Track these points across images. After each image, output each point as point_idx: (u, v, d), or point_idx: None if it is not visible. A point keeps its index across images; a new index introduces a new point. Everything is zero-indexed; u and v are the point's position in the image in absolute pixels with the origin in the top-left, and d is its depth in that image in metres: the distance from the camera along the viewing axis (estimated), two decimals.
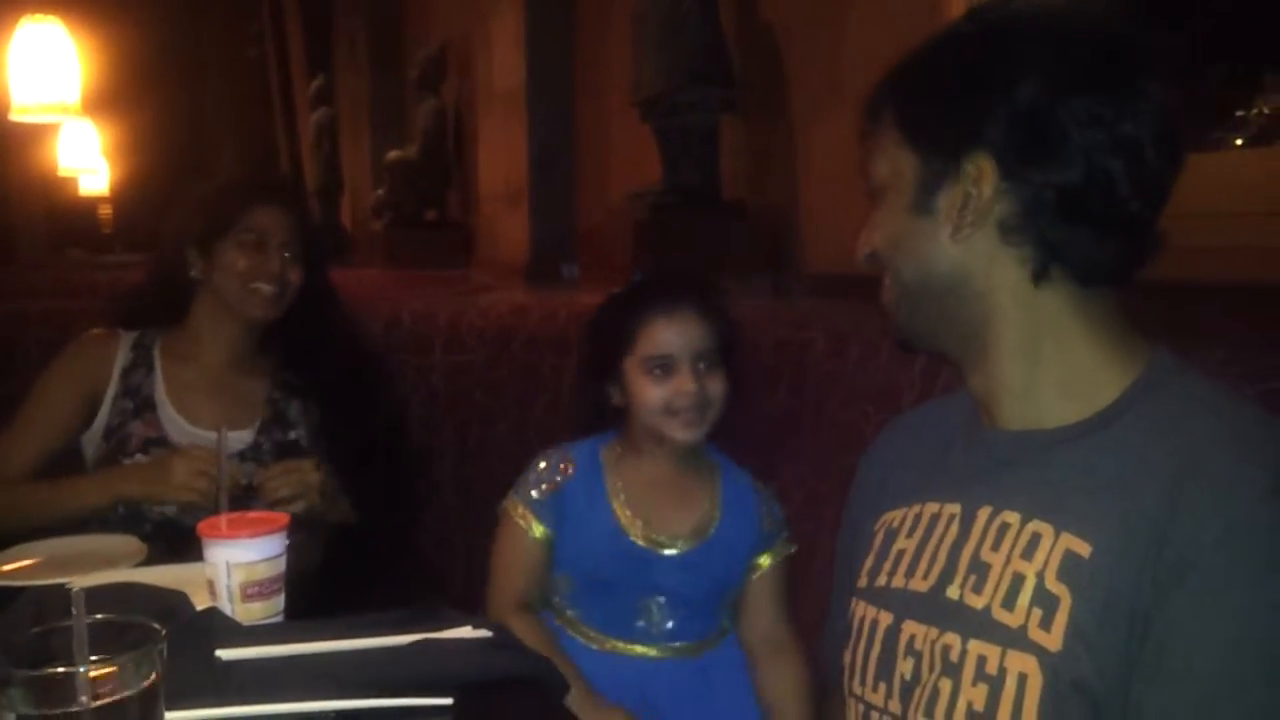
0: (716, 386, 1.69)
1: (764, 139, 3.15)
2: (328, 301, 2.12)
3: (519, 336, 2.48)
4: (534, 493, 1.73)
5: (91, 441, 1.97)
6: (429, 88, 5.90)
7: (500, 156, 4.59)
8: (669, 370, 1.67)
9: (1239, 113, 2.05)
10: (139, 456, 1.90)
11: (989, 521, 1.01)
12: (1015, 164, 0.96)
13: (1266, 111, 2.01)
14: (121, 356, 2.01)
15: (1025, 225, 0.98)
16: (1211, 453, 0.89)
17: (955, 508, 1.06)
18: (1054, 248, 0.98)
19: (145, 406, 1.97)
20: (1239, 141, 2.04)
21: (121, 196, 10.36)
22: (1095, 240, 0.97)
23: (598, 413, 1.77)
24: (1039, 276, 0.99)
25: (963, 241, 1.01)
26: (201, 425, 1.96)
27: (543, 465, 1.76)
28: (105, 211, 11.10)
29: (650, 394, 1.68)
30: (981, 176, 0.98)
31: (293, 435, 2.03)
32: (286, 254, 2.00)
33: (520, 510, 1.73)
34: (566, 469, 1.74)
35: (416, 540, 2.35)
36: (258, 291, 1.98)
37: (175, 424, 1.96)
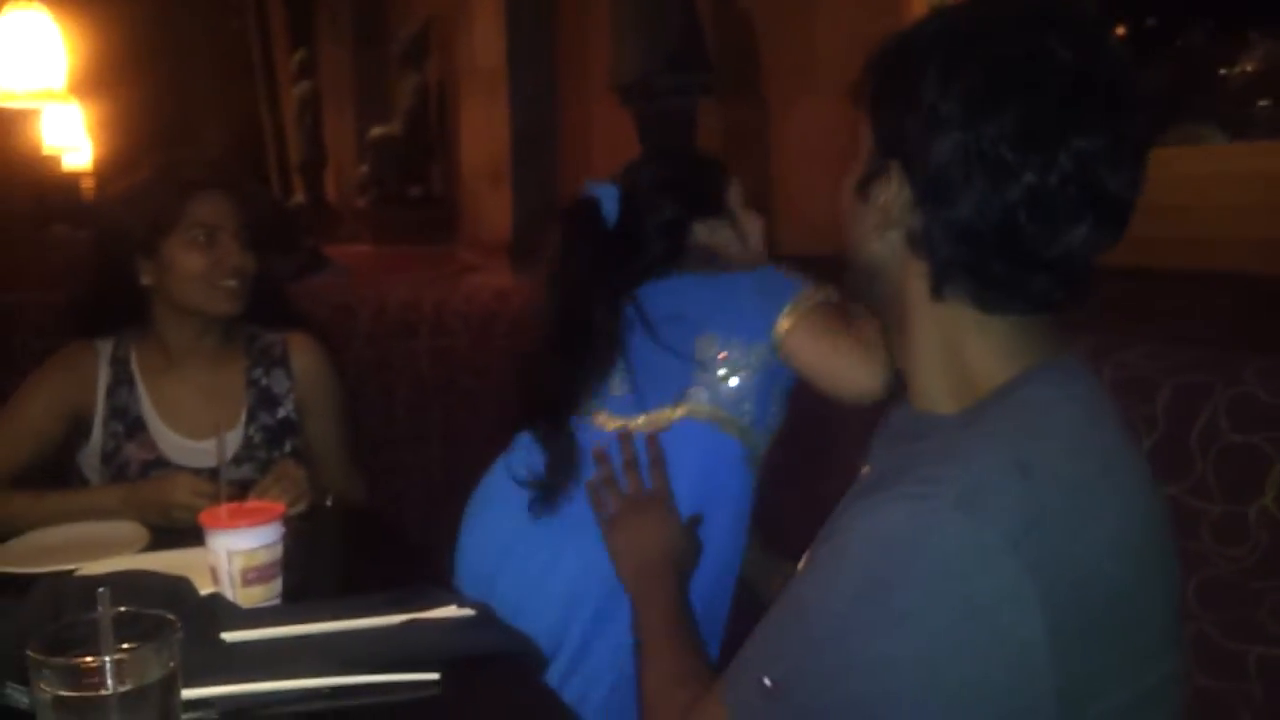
0: None
1: (740, 122, 3.23)
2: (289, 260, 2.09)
3: (502, 320, 2.56)
4: None
5: (90, 466, 1.94)
6: (412, 64, 5.94)
7: (483, 135, 4.63)
8: None
9: (1222, 70, 2.06)
10: (143, 480, 1.87)
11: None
12: (919, 186, 0.95)
13: (1249, 70, 2.01)
14: (103, 375, 1.96)
15: (926, 244, 0.96)
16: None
17: (866, 468, 1.12)
18: (949, 273, 0.96)
19: (136, 427, 1.94)
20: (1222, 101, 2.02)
21: (105, 171, 10.35)
22: (991, 275, 0.94)
23: None
24: (935, 294, 0.98)
25: (881, 238, 1.01)
26: (195, 436, 1.95)
27: None
28: (88, 185, 11.09)
29: None
30: (897, 186, 0.97)
31: (281, 413, 2.01)
32: (239, 241, 1.91)
33: None
34: None
35: (403, 520, 2.44)
36: (221, 289, 1.91)
37: (169, 440, 1.94)
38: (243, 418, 1.99)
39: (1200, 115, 1.98)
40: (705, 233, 1.75)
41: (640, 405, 1.64)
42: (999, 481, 0.84)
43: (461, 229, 5.18)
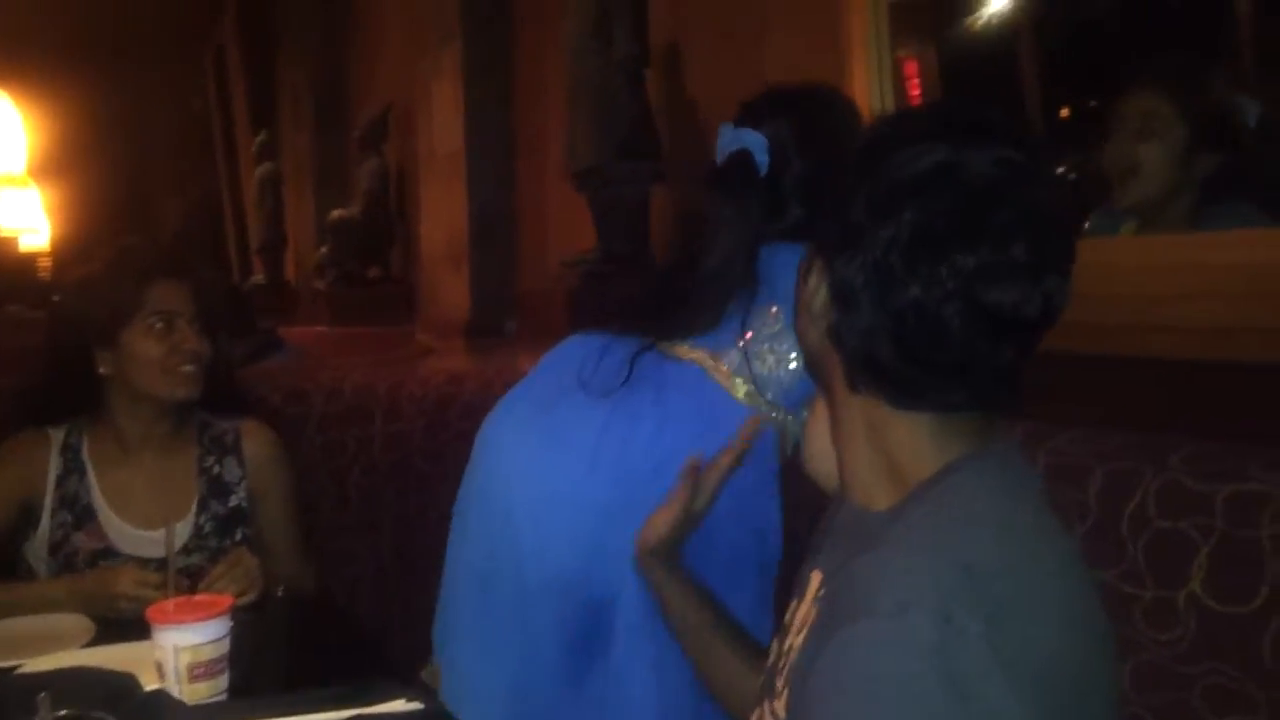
0: None
1: (693, 208, 3.29)
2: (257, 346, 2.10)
3: (457, 404, 2.57)
4: None
5: (37, 556, 1.91)
6: (372, 147, 6.00)
7: (442, 218, 4.70)
8: None
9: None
10: (88, 572, 1.85)
11: (805, 588, 1.07)
12: (831, 287, 0.97)
13: None
14: (54, 464, 1.95)
15: (836, 341, 0.98)
16: (850, 579, 0.91)
17: (811, 574, 1.10)
18: (858, 371, 0.98)
19: (85, 515, 1.93)
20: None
21: (62, 252, 10.34)
22: (895, 378, 0.95)
23: None
24: (851, 388, 0.99)
25: (810, 326, 1.02)
26: (146, 526, 1.93)
27: None
28: (45, 264, 11.06)
29: None
30: (816, 282, 0.99)
31: (233, 501, 2.00)
32: (195, 328, 1.93)
33: None
34: None
35: (355, 607, 2.42)
36: (178, 374, 1.92)
37: (118, 530, 1.93)
38: (194, 507, 1.98)
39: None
40: None
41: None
42: (951, 589, 0.84)
43: (419, 310, 5.21)
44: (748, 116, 1.72)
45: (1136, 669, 1.20)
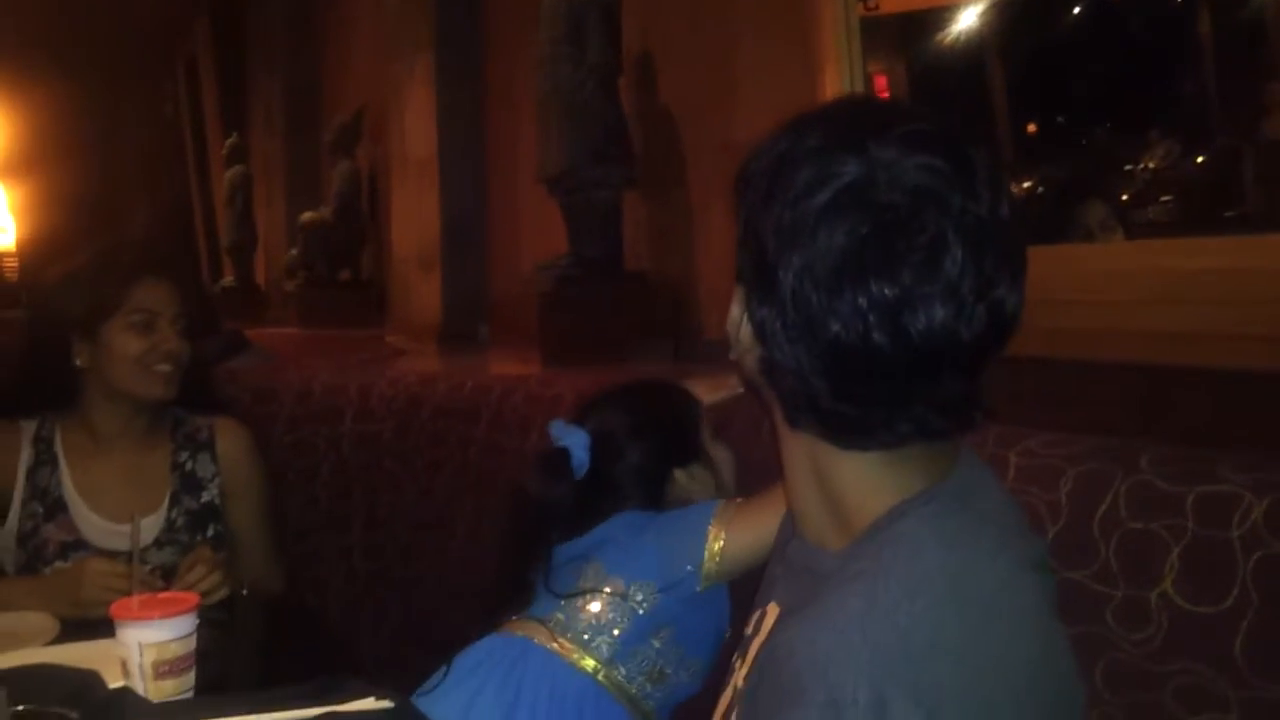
0: None
1: (664, 213, 3.30)
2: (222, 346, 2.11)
3: (427, 405, 2.55)
4: None
5: (4, 547, 1.91)
6: (344, 151, 5.98)
7: (413, 222, 4.68)
8: None
9: (1127, 167, 2.12)
10: (58, 563, 1.86)
11: (761, 620, 1.03)
12: (752, 325, 0.88)
13: (1151, 166, 2.07)
14: (25, 454, 1.95)
15: (767, 377, 0.91)
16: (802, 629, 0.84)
17: (767, 608, 1.06)
18: (792, 408, 0.90)
19: (56, 508, 1.93)
20: (1125, 197, 2.11)
21: (28, 251, 10.23)
22: (831, 416, 0.87)
23: None
24: (789, 423, 0.92)
25: (743, 357, 0.94)
26: (117, 519, 1.92)
27: None
28: (11, 265, 10.94)
29: None
30: (739, 311, 0.92)
31: (205, 497, 2.00)
32: (176, 328, 1.94)
33: None
34: None
35: (324, 607, 2.40)
36: (155, 373, 1.92)
37: (89, 522, 1.92)
38: (166, 501, 1.98)
39: (1103, 211, 2.07)
40: (685, 479, 1.66)
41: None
42: (886, 674, 0.76)
43: (390, 313, 5.19)
44: (580, 412, 1.74)
45: (1108, 668, 1.21)
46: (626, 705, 1.52)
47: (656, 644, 1.53)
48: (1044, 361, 1.33)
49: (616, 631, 1.53)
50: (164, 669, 1.32)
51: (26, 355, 1.99)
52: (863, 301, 0.79)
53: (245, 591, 1.85)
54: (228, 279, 8.41)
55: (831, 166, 0.81)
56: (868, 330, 0.79)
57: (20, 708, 0.89)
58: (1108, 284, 1.76)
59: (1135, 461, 1.24)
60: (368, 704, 1.30)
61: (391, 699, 1.32)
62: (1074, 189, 2.21)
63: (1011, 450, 1.35)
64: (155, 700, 1.31)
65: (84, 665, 1.34)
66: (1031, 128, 2.51)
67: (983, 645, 0.79)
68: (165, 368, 1.93)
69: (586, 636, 1.53)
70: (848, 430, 0.88)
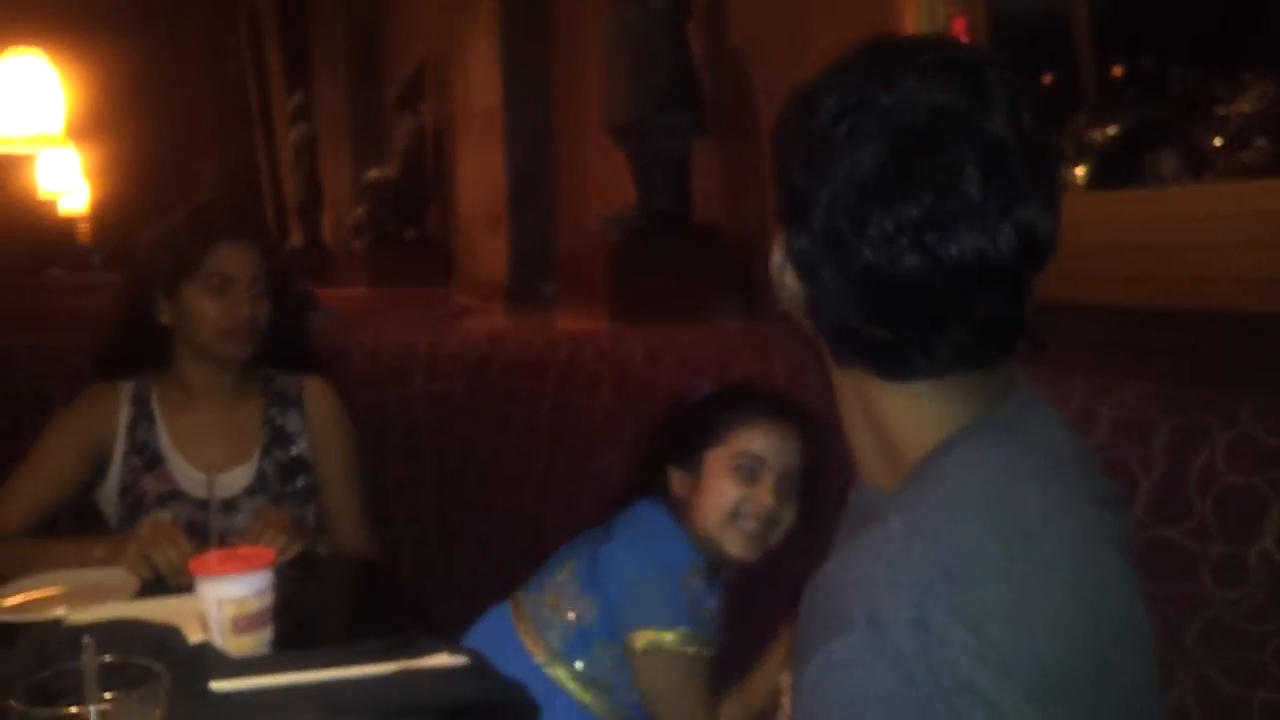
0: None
1: (736, 162, 3.23)
2: (300, 307, 2.16)
3: (497, 363, 2.55)
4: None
5: (109, 500, 1.99)
6: (408, 106, 5.97)
7: (479, 178, 4.66)
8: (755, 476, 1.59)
9: (1220, 110, 2.04)
10: (155, 512, 1.92)
11: None
12: (791, 256, 0.91)
13: (1246, 110, 2.00)
14: (124, 412, 2.02)
15: (810, 313, 0.92)
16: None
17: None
18: (836, 342, 0.92)
19: (154, 460, 1.99)
20: (1216, 142, 2.04)
21: (100, 214, 10.41)
22: (874, 344, 0.88)
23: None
24: (838, 361, 0.94)
25: (790, 303, 0.95)
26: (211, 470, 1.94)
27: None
28: (84, 228, 11.16)
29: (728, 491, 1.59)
30: (781, 255, 0.93)
31: (294, 450, 2.07)
32: (253, 292, 1.98)
33: None
34: None
35: (397, 566, 2.42)
36: (228, 335, 1.97)
37: (184, 473, 1.98)
38: (257, 453, 2.05)
39: (1194, 153, 1.99)
40: (676, 480, 1.67)
41: None
42: (927, 595, 0.78)
43: (458, 271, 5.19)
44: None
45: (1204, 628, 1.17)
46: (588, 702, 1.58)
47: (603, 656, 1.59)
48: (1136, 310, 1.27)
49: (564, 630, 1.60)
50: (242, 624, 1.34)
51: (121, 313, 2.06)
52: (889, 224, 0.81)
53: (322, 550, 1.89)
54: (294, 238, 8.50)
55: (854, 97, 0.84)
56: (897, 253, 0.82)
57: (107, 658, 0.90)
58: (1201, 228, 1.69)
59: (1235, 414, 1.19)
60: (441, 660, 1.31)
61: (465, 654, 1.33)
62: (1149, 137, 2.14)
63: (1104, 404, 1.31)
64: (234, 655, 1.32)
65: (164, 620, 1.36)
66: (1117, 70, 2.43)
67: (1023, 566, 0.81)
68: (237, 330, 1.97)
69: (541, 626, 1.62)
70: (888, 358, 0.89)
